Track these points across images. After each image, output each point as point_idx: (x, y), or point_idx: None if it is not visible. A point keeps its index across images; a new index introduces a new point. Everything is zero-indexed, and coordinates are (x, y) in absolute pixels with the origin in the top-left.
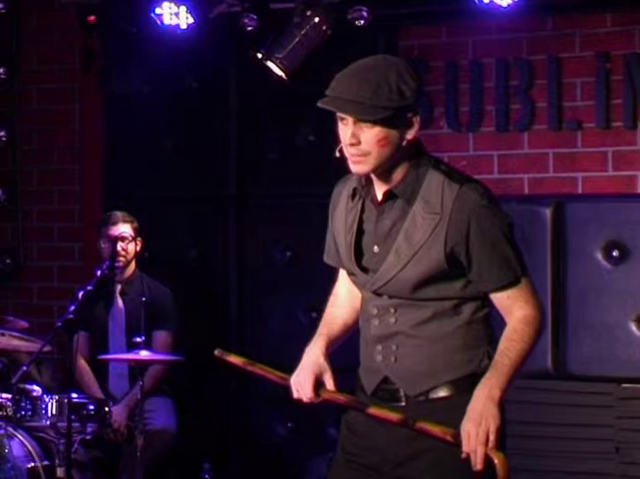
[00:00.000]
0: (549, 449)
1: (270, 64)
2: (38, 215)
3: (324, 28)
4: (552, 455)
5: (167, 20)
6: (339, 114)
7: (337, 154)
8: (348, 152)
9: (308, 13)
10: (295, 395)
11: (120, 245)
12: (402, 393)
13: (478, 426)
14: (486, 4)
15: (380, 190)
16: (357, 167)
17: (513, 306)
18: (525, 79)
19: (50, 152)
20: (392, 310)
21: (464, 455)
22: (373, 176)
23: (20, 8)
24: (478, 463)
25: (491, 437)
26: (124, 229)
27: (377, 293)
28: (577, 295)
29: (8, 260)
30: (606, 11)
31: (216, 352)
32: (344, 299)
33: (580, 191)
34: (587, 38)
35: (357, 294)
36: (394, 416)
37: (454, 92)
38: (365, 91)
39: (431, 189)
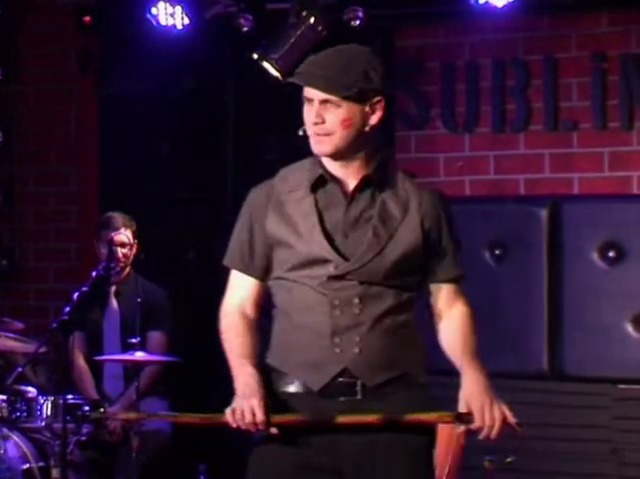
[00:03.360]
0: (545, 450)
1: (266, 64)
2: (34, 216)
3: (320, 29)
4: (548, 456)
5: (163, 21)
6: (306, 94)
7: (301, 132)
8: (312, 131)
9: (304, 14)
10: (239, 424)
11: (121, 251)
12: (359, 386)
13: (491, 402)
14: (482, 4)
15: (351, 178)
16: (319, 147)
17: (459, 300)
18: (521, 79)
19: (46, 153)
20: (356, 301)
21: (484, 433)
22: (341, 165)
23: (17, 9)
24: (494, 434)
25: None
26: (126, 234)
27: (347, 279)
28: (573, 296)
29: (4, 262)
30: (602, 11)
31: (91, 415)
32: (246, 325)
33: (576, 191)
34: (583, 38)
35: (249, 315)
36: (370, 418)
37: (450, 92)
38: (332, 68)
39: (396, 182)
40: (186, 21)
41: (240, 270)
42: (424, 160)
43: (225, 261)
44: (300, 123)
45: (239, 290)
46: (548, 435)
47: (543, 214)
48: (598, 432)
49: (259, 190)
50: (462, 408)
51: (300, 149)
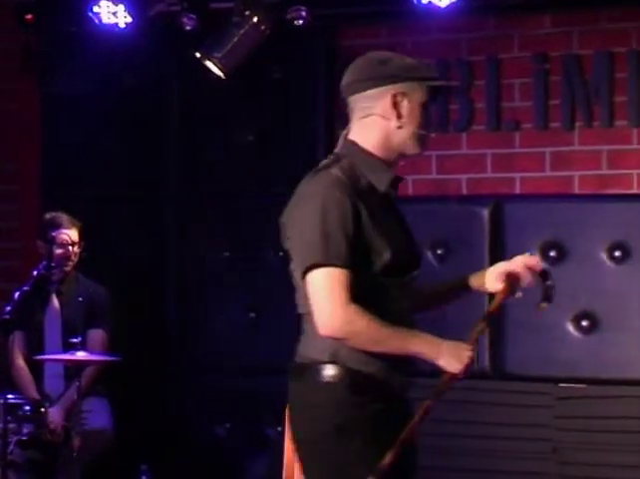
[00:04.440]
0: (486, 449)
1: (209, 63)
2: None
3: (263, 28)
4: (490, 455)
5: (106, 19)
6: (428, 98)
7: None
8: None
9: (247, 13)
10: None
11: (72, 251)
12: None
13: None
14: (426, 5)
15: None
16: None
17: None
18: (464, 79)
19: None
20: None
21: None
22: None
23: None
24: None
25: None
26: (73, 233)
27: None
28: None
29: None
30: (545, 12)
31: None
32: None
33: (518, 191)
34: (526, 39)
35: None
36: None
37: None
38: None
39: None
40: (129, 20)
41: (347, 268)
42: None
43: (333, 261)
44: (242, 122)
45: (348, 288)
46: (489, 434)
47: (485, 213)
48: (539, 431)
49: (342, 188)
50: (496, 287)
51: (245, 148)
